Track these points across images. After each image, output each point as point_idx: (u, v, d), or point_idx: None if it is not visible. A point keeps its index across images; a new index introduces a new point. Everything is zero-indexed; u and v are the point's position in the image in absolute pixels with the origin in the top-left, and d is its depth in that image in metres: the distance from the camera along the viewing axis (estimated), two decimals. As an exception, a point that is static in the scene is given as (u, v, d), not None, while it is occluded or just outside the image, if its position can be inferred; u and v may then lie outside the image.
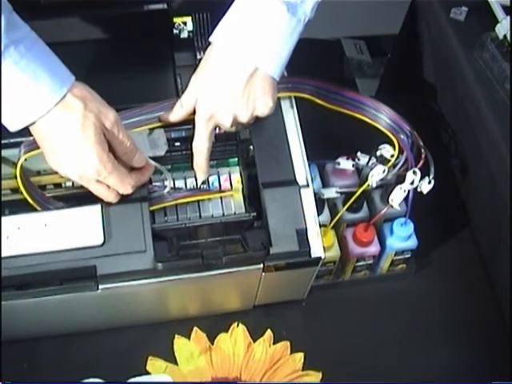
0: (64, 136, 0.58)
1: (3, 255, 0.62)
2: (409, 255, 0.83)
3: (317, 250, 0.68)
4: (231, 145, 0.73)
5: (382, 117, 0.72)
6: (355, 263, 0.82)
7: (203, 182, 0.72)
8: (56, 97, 0.56)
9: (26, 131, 0.58)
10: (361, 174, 0.78)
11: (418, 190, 0.72)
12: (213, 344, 0.78)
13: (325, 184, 0.81)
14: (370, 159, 0.75)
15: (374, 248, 0.79)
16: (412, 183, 0.71)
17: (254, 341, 0.79)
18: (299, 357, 0.78)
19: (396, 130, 0.72)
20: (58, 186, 0.70)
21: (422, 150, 0.72)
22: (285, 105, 0.73)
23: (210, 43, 0.64)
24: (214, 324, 0.79)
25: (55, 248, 0.64)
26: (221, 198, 0.72)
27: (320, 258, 0.68)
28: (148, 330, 0.79)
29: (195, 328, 0.79)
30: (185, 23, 0.74)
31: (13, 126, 0.57)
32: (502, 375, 0.75)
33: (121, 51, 0.75)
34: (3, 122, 0.57)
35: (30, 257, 0.63)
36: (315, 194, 0.70)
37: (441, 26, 0.89)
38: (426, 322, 0.82)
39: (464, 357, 0.80)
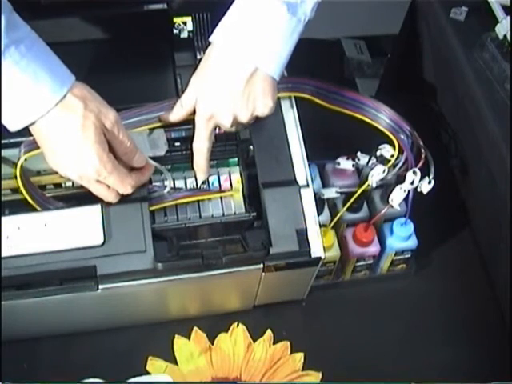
0: (64, 136, 0.58)
1: (3, 255, 0.62)
2: (409, 255, 0.83)
3: (317, 250, 0.68)
4: (231, 145, 0.73)
5: (382, 117, 0.72)
6: (355, 263, 0.82)
7: (203, 182, 0.72)
8: (56, 97, 0.56)
9: (25, 131, 0.58)
10: (361, 173, 0.78)
11: (418, 190, 0.72)
12: (213, 344, 0.78)
13: (325, 184, 0.81)
14: (369, 159, 0.75)
15: (374, 248, 0.79)
16: (412, 183, 0.71)
17: (254, 341, 0.79)
18: (299, 357, 0.78)
19: (396, 130, 0.72)
20: (58, 185, 0.70)
21: (422, 150, 0.72)
22: (285, 105, 0.73)
23: (209, 43, 0.64)
24: (214, 324, 0.79)
25: (55, 248, 0.64)
26: (221, 198, 0.72)
27: (320, 257, 0.68)
28: (148, 330, 0.79)
29: (195, 328, 0.79)
30: (185, 23, 0.74)
31: (13, 125, 0.57)
32: (502, 375, 0.75)
33: (121, 51, 0.75)
34: (3, 121, 0.57)
35: (29, 257, 0.63)
36: (315, 194, 0.70)
37: (441, 26, 0.89)
38: (425, 322, 0.82)
39: (464, 357, 0.80)
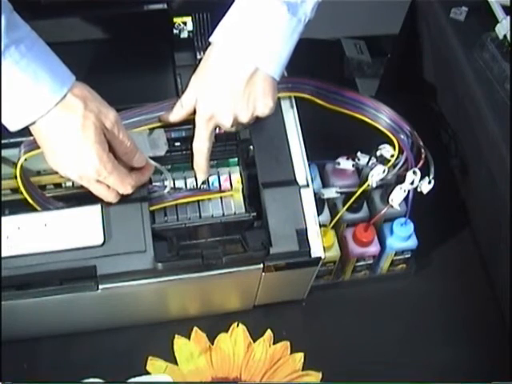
0: (64, 136, 0.58)
1: (3, 255, 0.62)
2: (409, 255, 0.83)
3: (317, 250, 0.68)
4: (231, 145, 0.73)
5: (382, 117, 0.72)
6: (355, 263, 0.82)
7: (203, 182, 0.72)
8: (56, 97, 0.56)
9: (25, 131, 0.58)
10: (361, 174, 0.78)
11: (418, 190, 0.72)
12: (213, 344, 0.78)
13: (325, 184, 0.81)
14: (369, 159, 0.75)
15: (374, 248, 0.79)
16: (412, 183, 0.71)
17: (254, 341, 0.79)
18: (299, 357, 0.78)
19: (396, 130, 0.72)
20: (58, 185, 0.70)
21: (422, 150, 0.72)
22: (285, 105, 0.73)
23: (209, 43, 0.64)
24: (214, 324, 0.79)
25: (55, 248, 0.64)
26: (221, 198, 0.72)
27: (320, 257, 0.68)
28: (148, 329, 0.79)
29: (195, 328, 0.79)
30: (185, 23, 0.74)
31: (13, 125, 0.57)
32: (502, 375, 0.75)
33: (121, 51, 0.75)
34: (3, 121, 0.57)
35: (29, 257, 0.63)
36: (315, 194, 0.70)
37: (441, 26, 0.89)
38: (426, 322, 0.82)
39: (464, 357, 0.80)
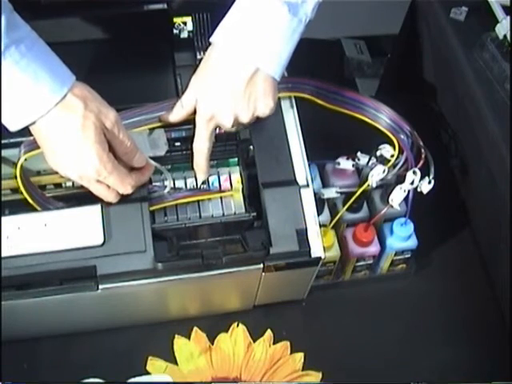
0: (64, 136, 0.58)
1: (3, 255, 0.62)
2: (409, 255, 0.83)
3: (317, 250, 0.68)
4: (231, 145, 0.73)
5: (382, 117, 0.72)
6: (355, 263, 0.82)
7: (203, 182, 0.72)
8: (56, 96, 0.56)
9: (25, 131, 0.58)
10: (361, 174, 0.78)
11: (418, 190, 0.72)
12: (213, 344, 0.78)
13: (325, 184, 0.81)
14: (369, 159, 0.75)
15: (374, 248, 0.79)
16: (412, 183, 0.71)
17: (254, 341, 0.79)
18: (299, 357, 0.78)
19: (396, 130, 0.72)
20: (58, 186, 0.70)
21: (422, 150, 0.72)
22: (285, 105, 0.73)
23: (210, 44, 0.64)
24: (214, 324, 0.79)
25: (55, 248, 0.64)
26: (221, 198, 0.72)
27: (320, 257, 0.68)
28: (148, 329, 0.79)
29: (195, 328, 0.79)
30: (185, 23, 0.74)
31: (13, 125, 0.57)
32: (502, 375, 0.75)
33: (121, 51, 0.75)
34: (3, 121, 0.57)
35: (29, 257, 0.63)
36: (315, 194, 0.70)
37: (441, 26, 0.89)
38: (426, 322, 0.82)
39: (464, 357, 0.80)
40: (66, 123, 0.57)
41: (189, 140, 0.69)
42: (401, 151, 0.72)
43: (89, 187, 0.63)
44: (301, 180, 0.70)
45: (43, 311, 0.69)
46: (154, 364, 0.77)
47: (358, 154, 0.76)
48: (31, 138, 0.60)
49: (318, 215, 0.70)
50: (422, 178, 0.71)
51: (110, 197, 0.64)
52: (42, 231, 0.64)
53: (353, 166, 0.78)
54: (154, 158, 0.68)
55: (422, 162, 0.71)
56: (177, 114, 0.67)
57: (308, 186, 0.70)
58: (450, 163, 0.94)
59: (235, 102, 0.63)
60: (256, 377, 0.77)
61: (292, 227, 0.67)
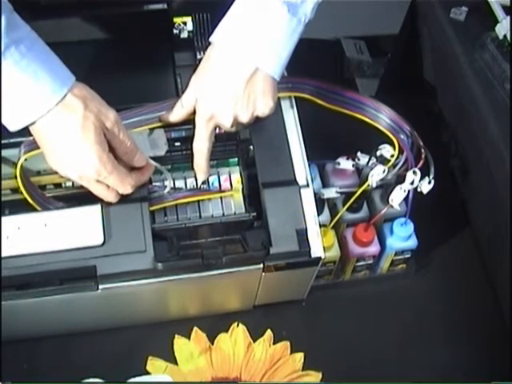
0: (64, 136, 0.58)
1: (3, 255, 0.62)
2: (409, 255, 0.83)
3: (317, 250, 0.68)
4: (231, 145, 0.73)
5: (382, 117, 0.72)
6: (355, 263, 0.82)
7: (203, 182, 0.72)
8: (56, 97, 0.56)
9: (25, 131, 0.58)
10: (361, 174, 0.78)
11: (418, 189, 0.72)
12: (213, 344, 0.78)
13: (325, 184, 0.81)
14: (369, 159, 0.75)
15: (374, 248, 0.79)
16: (412, 183, 0.71)
17: (254, 341, 0.79)
18: (299, 357, 0.78)
19: (396, 130, 0.72)
20: (57, 186, 0.70)
21: (422, 150, 0.72)
22: (285, 105, 0.73)
23: (210, 43, 0.64)
24: (214, 324, 0.79)
25: (55, 248, 0.64)
26: (221, 198, 0.72)
27: (320, 258, 0.68)
28: (148, 329, 0.79)
29: (195, 328, 0.79)
30: (185, 23, 0.74)
31: (13, 125, 0.57)
32: (502, 375, 0.75)
33: (121, 51, 0.75)
34: (3, 121, 0.57)
35: (29, 257, 0.63)
36: (315, 194, 0.70)
37: (441, 26, 0.89)
38: (425, 322, 0.82)
39: (464, 357, 0.80)
40: (66, 123, 0.57)
41: (189, 140, 0.69)
42: (401, 151, 0.72)
43: (88, 187, 0.63)
44: (301, 180, 0.70)
45: (43, 311, 0.69)
46: (154, 364, 0.77)
47: (358, 154, 0.76)
48: (31, 138, 0.60)
49: (318, 215, 0.70)
50: (422, 177, 0.71)
51: (109, 197, 0.64)
52: (42, 231, 0.64)
53: (353, 165, 0.78)
54: (154, 158, 0.68)
55: (422, 162, 0.71)
56: (177, 114, 0.67)
57: (308, 186, 0.70)
58: (450, 163, 0.94)
59: (235, 101, 0.63)
60: (256, 377, 0.77)
61: (292, 227, 0.67)
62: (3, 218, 0.64)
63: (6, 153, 0.66)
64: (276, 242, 0.67)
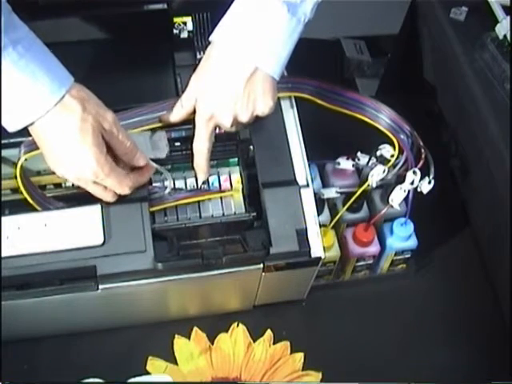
0: (62, 138, 0.58)
1: (3, 255, 0.62)
2: (409, 255, 0.83)
3: (317, 250, 0.68)
4: (231, 145, 0.73)
5: (382, 117, 0.72)
6: (355, 263, 0.82)
7: (203, 182, 0.72)
8: (55, 97, 0.56)
9: (25, 131, 0.58)
10: (361, 174, 0.78)
11: (418, 189, 0.72)
12: (213, 344, 0.78)
13: (325, 184, 0.81)
14: (370, 159, 0.75)
15: (374, 248, 0.79)
16: (412, 183, 0.71)
17: (254, 341, 0.79)
18: (299, 357, 0.78)
19: (396, 130, 0.72)
20: (57, 186, 0.70)
21: (422, 150, 0.72)
22: (285, 104, 0.73)
23: (210, 43, 0.64)
24: (214, 324, 0.79)
25: (55, 248, 0.64)
26: (221, 198, 0.72)
27: (320, 258, 0.68)
28: (148, 330, 0.79)
29: (195, 328, 0.79)
30: (185, 23, 0.74)
31: (12, 126, 0.57)
32: (502, 375, 0.75)
33: (121, 51, 0.75)
34: (2, 123, 0.57)
35: (29, 257, 0.63)
36: (315, 194, 0.70)
37: (441, 26, 0.89)
38: (425, 322, 0.82)
39: (464, 357, 0.80)
40: (64, 125, 0.57)
41: (189, 140, 0.69)
42: (401, 151, 0.72)
43: (86, 188, 0.63)
44: (301, 180, 0.70)
45: (43, 311, 0.69)
46: (154, 364, 0.77)
47: (358, 154, 0.76)
48: (31, 138, 0.60)
49: (318, 215, 0.70)
50: (422, 177, 0.71)
51: (107, 197, 0.64)
52: (42, 231, 0.64)
53: (353, 165, 0.78)
54: (155, 160, 0.67)
55: (422, 162, 0.71)
56: (177, 114, 0.67)
57: (308, 186, 0.70)
58: (450, 163, 0.94)
59: (234, 101, 0.63)
60: (256, 377, 0.77)
61: (292, 227, 0.67)
62: (3, 218, 0.64)
63: (5, 153, 0.66)
64: (276, 242, 0.67)
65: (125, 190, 0.64)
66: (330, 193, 0.77)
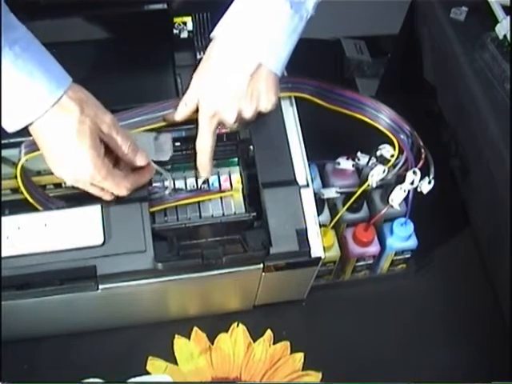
0: (60, 139, 0.57)
1: (3, 255, 0.62)
2: (409, 255, 0.83)
3: (317, 250, 0.68)
4: (231, 145, 0.73)
5: (382, 117, 0.72)
6: (355, 263, 0.82)
7: (204, 182, 0.72)
8: (53, 97, 0.56)
9: (25, 132, 0.58)
10: (361, 174, 0.78)
11: (418, 189, 0.72)
12: (213, 344, 0.78)
13: (325, 184, 0.81)
14: (370, 159, 0.75)
15: (374, 248, 0.79)
16: (412, 183, 0.71)
17: (254, 341, 0.79)
18: (299, 357, 0.78)
19: (396, 130, 0.72)
20: (58, 185, 0.70)
21: (422, 150, 0.72)
22: (285, 104, 0.73)
23: (211, 39, 0.64)
24: (214, 324, 0.79)
25: (55, 248, 0.64)
26: (221, 198, 0.72)
27: (320, 258, 0.68)
28: (148, 330, 0.79)
29: (195, 328, 0.79)
30: (185, 23, 0.74)
31: (11, 126, 0.57)
32: (502, 375, 0.75)
33: (121, 51, 0.75)
34: (2, 123, 0.57)
35: (29, 257, 0.63)
36: (315, 194, 0.70)
37: (441, 26, 0.89)
38: (426, 322, 0.82)
39: (464, 357, 0.80)
40: (62, 126, 0.57)
41: (189, 140, 0.69)
42: (401, 151, 0.72)
43: (84, 188, 0.63)
44: (301, 180, 0.70)
45: (43, 311, 0.69)
46: (154, 364, 0.77)
47: (358, 154, 0.76)
48: (31, 138, 0.60)
49: (318, 215, 0.70)
50: (422, 177, 0.71)
51: (105, 196, 0.64)
52: (42, 231, 0.64)
53: (353, 165, 0.78)
54: (156, 161, 0.67)
55: (422, 162, 0.71)
56: (181, 113, 0.67)
57: (308, 186, 0.70)
58: (450, 163, 0.94)
59: (238, 97, 0.63)
60: (256, 377, 0.77)
61: (292, 227, 0.67)
62: (3, 218, 0.64)
63: (5, 153, 0.66)
64: (276, 242, 0.67)
65: (122, 192, 0.63)
66: (330, 193, 0.77)
